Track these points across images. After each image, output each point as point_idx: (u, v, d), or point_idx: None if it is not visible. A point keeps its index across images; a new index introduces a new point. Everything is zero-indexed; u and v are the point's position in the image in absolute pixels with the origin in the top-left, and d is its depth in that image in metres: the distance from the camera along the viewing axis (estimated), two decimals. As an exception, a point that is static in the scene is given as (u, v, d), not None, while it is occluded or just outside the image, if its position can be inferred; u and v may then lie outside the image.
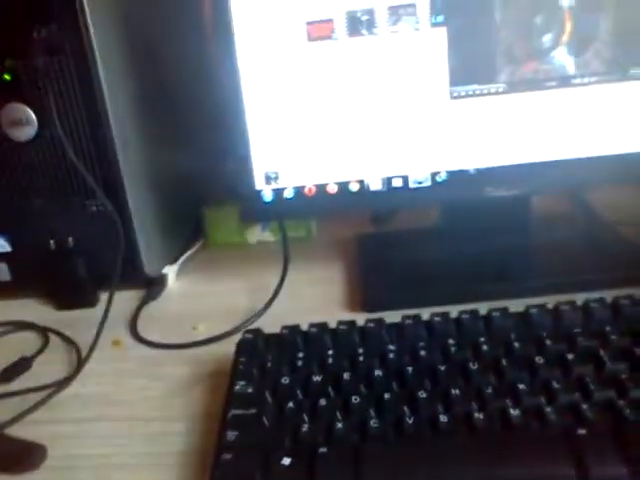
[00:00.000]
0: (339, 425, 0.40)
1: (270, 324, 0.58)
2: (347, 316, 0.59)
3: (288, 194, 0.61)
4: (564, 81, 0.56)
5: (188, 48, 0.73)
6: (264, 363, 0.47)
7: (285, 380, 0.44)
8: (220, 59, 0.58)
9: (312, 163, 0.60)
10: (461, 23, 0.55)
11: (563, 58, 0.56)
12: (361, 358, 0.46)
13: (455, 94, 0.57)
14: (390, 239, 0.71)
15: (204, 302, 0.67)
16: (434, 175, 0.60)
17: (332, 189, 0.61)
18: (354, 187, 0.61)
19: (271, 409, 0.43)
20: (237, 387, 0.45)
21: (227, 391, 0.46)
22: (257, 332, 0.50)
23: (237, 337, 0.57)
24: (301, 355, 0.47)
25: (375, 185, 0.60)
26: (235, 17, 0.56)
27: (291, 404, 0.43)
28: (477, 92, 0.57)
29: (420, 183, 0.60)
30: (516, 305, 0.51)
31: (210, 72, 0.59)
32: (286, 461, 0.38)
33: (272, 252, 0.75)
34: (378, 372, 0.44)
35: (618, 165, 0.59)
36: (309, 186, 0.61)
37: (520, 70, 0.56)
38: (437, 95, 0.57)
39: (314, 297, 0.64)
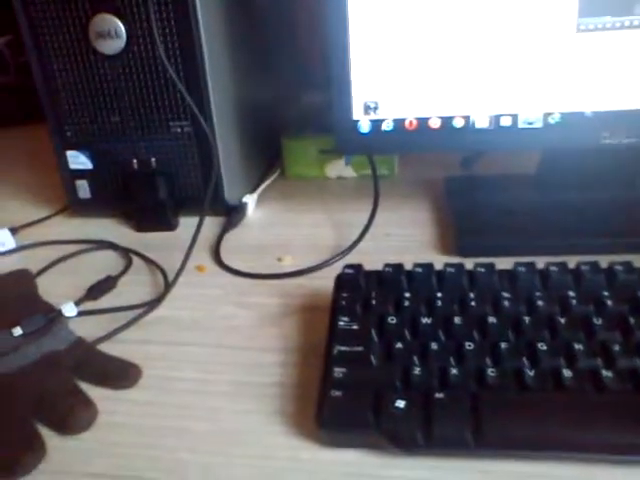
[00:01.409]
0: (454, 371, 0.38)
1: (360, 261, 0.56)
2: (440, 259, 0.57)
3: (387, 126, 0.58)
4: None
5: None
6: (368, 300, 0.44)
7: (392, 319, 0.42)
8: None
9: (415, 95, 0.56)
10: None
11: None
12: (473, 303, 0.43)
13: (582, 27, 0.52)
14: (481, 183, 0.67)
15: (286, 234, 0.65)
16: (547, 116, 0.56)
17: (435, 124, 0.57)
18: (458, 123, 0.57)
19: (378, 348, 0.41)
20: (341, 323, 0.43)
21: (329, 326, 0.44)
22: (358, 268, 0.47)
23: (326, 272, 0.56)
24: (407, 295, 0.44)
25: (481, 122, 0.56)
26: None
27: (400, 344, 0.41)
28: (608, 25, 0.52)
29: (530, 124, 0.56)
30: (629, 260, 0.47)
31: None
32: (400, 403, 0.36)
33: (352, 188, 0.73)
34: (492, 319, 0.42)
35: None
36: (410, 119, 0.57)
37: None
38: (562, 27, 0.52)
39: (402, 237, 0.62)
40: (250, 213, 0.69)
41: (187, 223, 0.68)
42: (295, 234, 0.64)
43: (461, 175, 0.71)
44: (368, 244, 0.61)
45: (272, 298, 0.54)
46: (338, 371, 0.39)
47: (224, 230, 0.65)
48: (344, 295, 0.45)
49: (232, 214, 0.67)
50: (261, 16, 0.73)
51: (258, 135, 0.75)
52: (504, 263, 0.49)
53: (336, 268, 0.56)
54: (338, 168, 0.76)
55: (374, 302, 0.44)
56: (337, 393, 0.38)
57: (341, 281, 0.47)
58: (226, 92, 0.65)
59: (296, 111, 0.79)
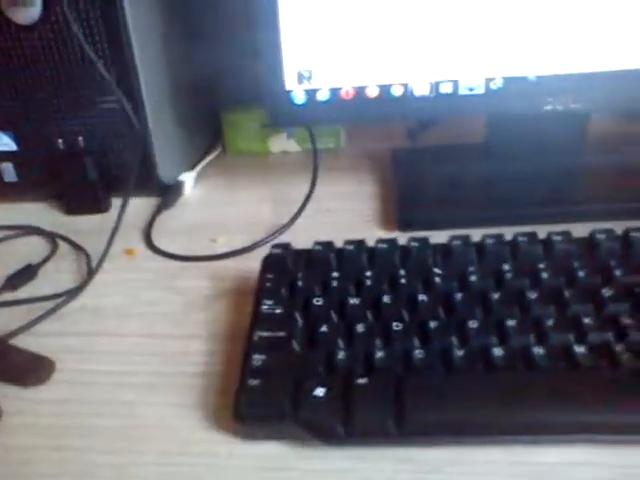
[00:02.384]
0: (379, 354, 0.36)
1: (296, 240, 0.54)
2: (380, 235, 0.54)
3: (323, 96, 0.54)
4: None
5: None
6: (294, 281, 0.42)
7: (317, 301, 0.40)
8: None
9: (351, 62, 0.53)
10: None
11: None
12: (403, 280, 0.41)
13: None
14: (429, 155, 0.64)
15: (223, 213, 0.62)
16: (488, 81, 0.53)
17: (372, 92, 0.54)
18: (397, 91, 0.54)
19: (302, 332, 0.38)
20: (264, 307, 0.40)
21: (253, 310, 0.41)
22: (286, 247, 0.45)
23: (260, 252, 0.53)
24: (336, 275, 0.42)
25: (421, 90, 0.53)
26: None
27: (324, 328, 0.38)
28: (550, -17, 0.49)
29: (472, 90, 0.53)
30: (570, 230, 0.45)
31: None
32: (320, 391, 0.34)
33: (296, 163, 0.69)
34: (422, 297, 0.39)
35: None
36: (347, 88, 0.54)
37: None
38: (501, -14, 0.49)
39: (344, 212, 0.59)
40: (187, 192, 0.66)
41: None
42: (232, 213, 0.61)
43: (408, 147, 0.68)
44: (307, 221, 0.58)
45: (203, 281, 0.51)
46: (257, 358, 0.37)
47: (157, 211, 0.62)
48: (269, 277, 0.42)
49: (166, 194, 0.64)
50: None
51: (197, 110, 0.71)
52: (446, 236, 0.46)
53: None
54: (281, 142, 0.72)
55: (300, 283, 0.41)
56: (254, 382, 0.35)
57: (267, 262, 0.44)
58: (157, 65, 0.61)
59: (237, 83, 0.75)
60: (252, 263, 0.51)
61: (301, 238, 0.54)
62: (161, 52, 0.62)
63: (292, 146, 0.73)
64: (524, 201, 0.54)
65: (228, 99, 0.74)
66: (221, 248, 0.55)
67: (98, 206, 0.63)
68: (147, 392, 0.40)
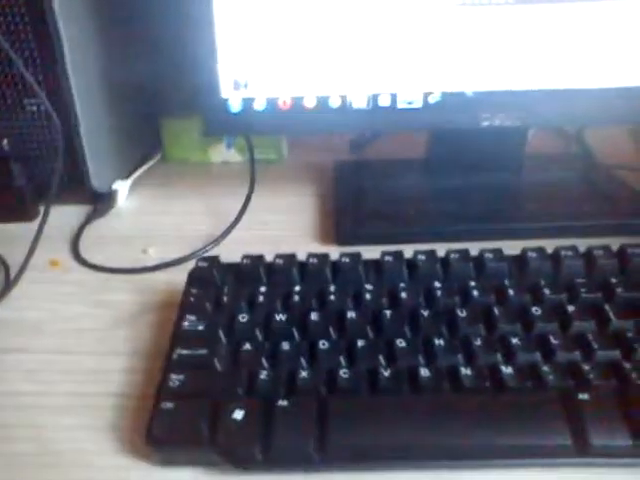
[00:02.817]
0: (303, 374, 0.34)
1: (229, 253, 0.52)
2: (317, 249, 0.53)
3: (259, 106, 0.53)
4: None
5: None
6: (219, 296, 0.40)
7: (243, 318, 0.38)
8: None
9: (289, 72, 0.52)
10: None
11: None
12: (332, 297, 0.39)
13: (461, 1, 0.49)
14: (370, 168, 0.64)
15: (157, 223, 0.59)
16: (426, 95, 0.52)
17: (310, 103, 0.53)
18: (335, 103, 0.53)
19: (224, 351, 0.37)
20: (186, 323, 0.38)
21: (174, 327, 0.39)
22: (213, 260, 0.43)
23: (191, 265, 0.51)
24: (263, 289, 0.40)
25: (359, 102, 0.53)
26: None
27: (248, 346, 0.36)
28: (486, 1, 0.49)
29: (410, 104, 0.53)
30: (504, 247, 0.44)
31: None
32: (238, 414, 0.32)
33: (237, 173, 0.68)
34: (351, 314, 0.38)
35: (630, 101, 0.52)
36: (284, 98, 0.53)
37: None
38: (441, 1, 0.49)
39: (280, 225, 0.58)
40: (121, 201, 0.63)
41: (59, 213, 0.61)
42: (166, 223, 0.59)
43: (351, 160, 0.67)
44: (241, 233, 0.56)
45: (129, 295, 0.49)
46: (175, 378, 0.35)
47: (87, 220, 0.59)
48: (193, 291, 0.40)
49: (98, 202, 0.61)
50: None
51: (135, 117, 0.69)
52: (378, 252, 0.45)
53: (203, 260, 0.52)
54: (221, 152, 0.71)
55: (226, 298, 0.40)
56: (169, 405, 0.33)
57: (193, 276, 0.42)
58: (91, 68, 0.59)
59: (178, 89, 0.73)
60: (182, 276, 0.49)
61: (234, 251, 0.52)
62: (95, 55, 0.60)
63: (233, 156, 0.71)
64: (461, 217, 0.53)
65: (169, 106, 0.72)
66: (152, 260, 0.53)
67: (25, 214, 0.60)
68: (60, 414, 0.37)
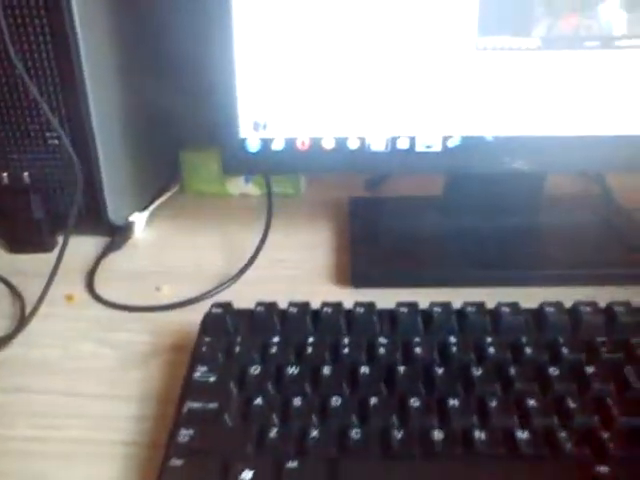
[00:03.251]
0: (314, 432, 0.34)
1: (245, 293, 0.52)
2: (332, 290, 0.53)
3: (278, 146, 0.53)
4: (609, 42, 0.48)
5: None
6: (232, 346, 0.40)
7: (255, 369, 0.38)
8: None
9: (308, 113, 0.52)
10: None
11: (611, 14, 0.47)
12: (346, 350, 0.39)
13: (482, 46, 0.49)
14: (386, 206, 0.63)
15: (173, 258, 0.59)
16: (445, 139, 0.52)
17: (328, 144, 0.53)
18: (353, 144, 0.53)
19: (235, 404, 0.36)
20: (197, 374, 0.38)
21: (185, 377, 0.39)
22: (226, 307, 0.43)
23: (205, 305, 0.51)
24: (276, 340, 0.40)
25: (377, 145, 0.52)
26: None
27: (259, 400, 0.36)
28: (507, 46, 0.48)
29: (429, 147, 0.52)
30: (522, 295, 0.44)
31: (197, 5, 0.50)
32: (247, 475, 0.32)
33: (255, 207, 0.68)
34: (364, 369, 0.37)
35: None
36: (302, 139, 0.53)
37: (559, 24, 0.48)
38: (461, 45, 0.49)
39: (296, 264, 0.57)
40: (138, 233, 0.64)
41: (76, 244, 0.61)
42: (182, 259, 0.59)
43: (367, 197, 0.67)
44: (257, 272, 0.56)
45: (142, 334, 0.48)
46: (184, 434, 0.34)
47: (103, 253, 0.59)
48: (206, 340, 0.40)
49: (115, 235, 0.61)
50: (154, 20, 0.68)
51: (154, 148, 0.69)
52: (398, 296, 0.45)
53: (218, 299, 0.51)
54: (240, 185, 0.71)
55: (238, 348, 0.39)
56: (178, 462, 0.33)
57: (205, 323, 0.42)
58: (111, 99, 0.59)
59: (198, 120, 0.73)
60: (196, 316, 0.49)
61: (250, 291, 0.53)
62: (115, 87, 0.60)
63: (251, 189, 0.71)
64: (477, 262, 0.53)
65: (188, 138, 0.72)
66: (165, 298, 0.53)
67: (43, 245, 0.61)
68: (62, 463, 0.37)
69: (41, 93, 0.54)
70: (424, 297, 0.44)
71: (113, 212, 0.61)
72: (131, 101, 0.63)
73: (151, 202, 0.68)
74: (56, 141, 0.58)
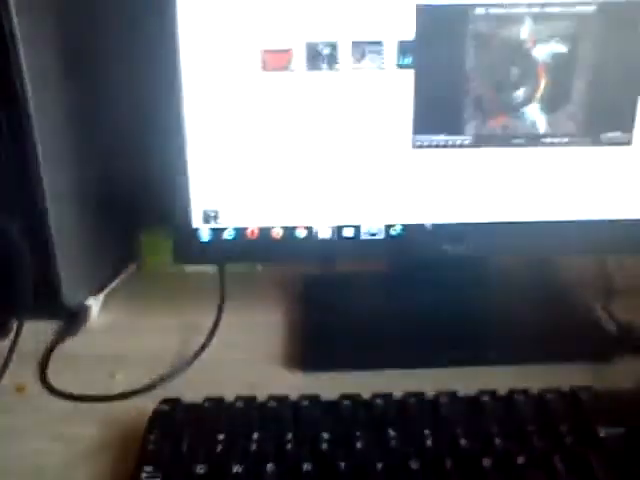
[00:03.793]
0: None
1: (197, 378, 0.53)
2: (285, 375, 0.55)
3: (228, 235, 0.55)
4: (533, 140, 0.52)
5: (128, 65, 0.65)
6: (179, 444, 0.41)
7: (200, 469, 0.39)
8: (163, 80, 0.51)
9: (257, 204, 0.54)
10: (430, 67, 0.50)
11: (534, 115, 0.51)
12: (289, 446, 0.40)
13: (418, 143, 0.52)
14: (337, 282, 0.66)
15: (128, 342, 0.60)
16: (388, 227, 0.55)
17: (277, 234, 0.55)
18: (301, 233, 0.55)
19: (180, 506, 0.37)
20: (144, 474, 0.39)
21: (131, 478, 0.39)
22: (174, 403, 0.44)
23: (158, 392, 0.52)
24: (221, 437, 0.41)
25: (324, 233, 0.55)
26: (182, 36, 0.50)
27: (203, 502, 0.37)
28: (441, 143, 0.52)
29: (373, 235, 0.55)
30: (465, 376, 0.48)
31: (152, 92, 0.53)
32: None
33: (213, 284, 0.69)
34: (307, 466, 0.39)
35: (583, 233, 0.55)
36: (252, 228, 0.55)
37: (488, 123, 0.52)
38: (398, 143, 0.52)
39: (250, 347, 0.59)
40: (94, 317, 0.64)
41: (29, 329, 0.61)
42: (138, 343, 0.60)
43: (320, 274, 0.69)
44: (210, 357, 0.57)
45: (93, 427, 0.49)
46: (129, 539, 0.35)
47: (57, 340, 0.60)
48: (152, 438, 0.41)
49: (70, 320, 0.62)
50: (108, 99, 0.69)
51: (110, 227, 0.70)
52: (348, 378, 0.49)
53: (172, 385, 0.53)
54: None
55: (185, 447, 0.40)
56: None
57: (154, 419, 0.43)
58: (65, 178, 0.60)
59: (154, 201, 0.75)
60: (149, 405, 0.50)
61: (201, 378, 0.54)
62: (69, 165, 0.61)
63: (208, 267, 0.72)
64: (427, 344, 0.55)
65: (145, 217, 0.74)
66: (119, 386, 0.53)
67: (-4, 331, 0.61)
68: None
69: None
70: (373, 380, 0.47)
71: (68, 296, 0.62)
72: (85, 182, 0.64)
73: (108, 283, 0.69)
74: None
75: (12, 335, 0.55)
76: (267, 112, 0.51)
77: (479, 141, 0.52)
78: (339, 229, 0.55)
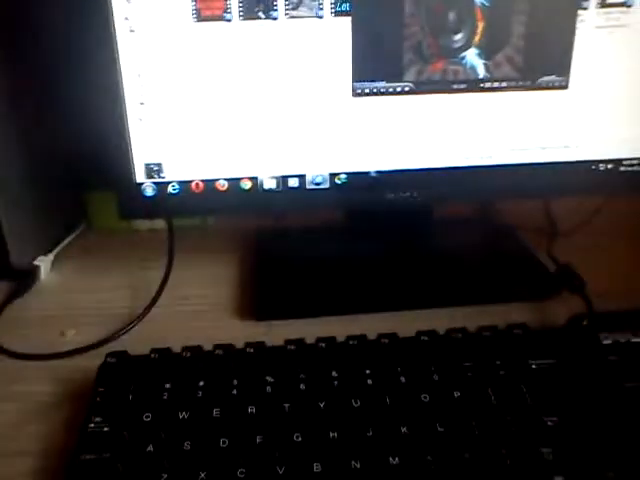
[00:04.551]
0: (202, 475, 0.36)
1: (148, 333, 0.54)
2: (235, 325, 0.55)
3: (172, 189, 0.55)
4: (473, 84, 0.53)
5: (61, 23, 0.63)
6: (126, 395, 0.41)
7: (147, 417, 0.40)
8: (99, 36, 0.50)
9: (200, 156, 0.54)
10: (367, 13, 0.50)
11: (473, 60, 0.52)
12: (235, 391, 0.41)
13: (358, 91, 0.52)
14: (289, 236, 0.66)
15: (79, 301, 0.60)
16: (333, 176, 0.55)
17: (222, 186, 0.55)
18: (246, 185, 0.55)
19: (128, 454, 0.38)
20: (92, 425, 0.39)
21: (80, 429, 0.40)
22: (121, 356, 0.44)
23: (109, 348, 0.52)
24: (168, 386, 0.42)
25: (269, 184, 0.55)
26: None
27: (151, 447, 0.38)
28: (381, 90, 0.52)
29: (318, 184, 0.55)
30: (410, 318, 0.50)
31: (88, 49, 0.51)
32: (137, 523, 0.34)
33: (162, 241, 0.69)
34: (252, 409, 0.40)
35: (525, 177, 0.56)
36: (196, 181, 0.55)
37: (428, 69, 0.52)
38: (338, 91, 0.52)
39: (201, 299, 0.59)
40: (44, 277, 0.64)
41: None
42: (88, 301, 0.60)
43: (272, 227, 0.69)
44: (162, 310, 0.57)
45: (43, 385, 0.49)
46: (78, 486, 0.36)
47: (7, 300, 0.59)
48: (100, 390, 0.42)
49: (19, 280, 0.62)
50: (46, 59, 0.67)
51: (57, 187, 0.70)
52: (298, 326, 0.50)
53: (122, 341, 0.53)
54: (146, 220, 0.72)
55: (131, 397, 0.41)
56: (71, 516, 0.34)
57: (101, 373, 0.44)
58: (7, 143, 0.59)
59: (99, 160, 0.74)
60: (100, 361, 0.50)
61: (152, 332, 0.54)
62: (10, 130, 0.60)
63: (159, 223, 0.72)
64: (372, 290, 0.56)
65: (91, 178, 0.73)
66: (69, 343, 0.54)
67: (-55, 294, 0.60)
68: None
69: None
70: (321, 327, 0.48)
71: (16, 256, 0.62)
72: (27, 146, 0.63)
73: (57, 243, 0.68)
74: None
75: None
76: (205, 63, 0.51)
77: (419, 87, 0.52)
78: (284, 179, 0.55)
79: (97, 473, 0.37)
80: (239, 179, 0.55)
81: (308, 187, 0.55)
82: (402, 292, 0.56)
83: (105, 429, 0.39)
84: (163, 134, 0.53)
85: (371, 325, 0.49)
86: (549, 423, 0.39)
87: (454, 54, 0.52)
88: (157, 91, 0.51)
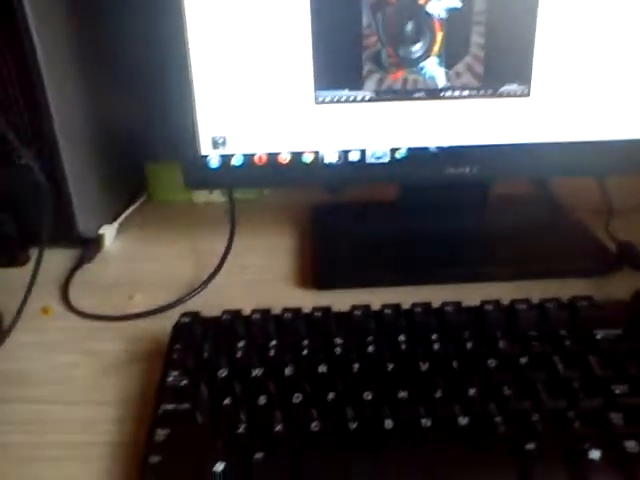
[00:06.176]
0: (278, 427, 0.38)
1: (213, 298, 0.56)
2: (296, 293, 0.57)
3: (236, 161, 0.57)
4: (433, 93, 0.53)
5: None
6: (201, 352, 0.43)
7: (223, 372, 0.42)
8: (167, 13, 0.51)
9: (264, 129, 0.55)
10: (327, 23, 0.50)
11: (433, 69, 0.52)
12: (305, 351, 0.43)
13: (320, 99, 0.53)
14: (346, 210, 0.68)
15: (144, 267, 0.63)
16: (393, 151, 0.56)
17: (284, 159, 0.56)
18: (308, 158, 0.56)
19: (206, 405, 0.40)
20: (170, 378, 0.42)
21: (159, 382, 0.42)
22: (194, 316, 0.46)
23: (176, 312, 0.54)
24: (241, 345, 0.44)
25: (330, 157, 0.56)
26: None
27: (228, 400, 0.40)
28: (343, 98, 0.53)
29: (378, 158, 0.56)
30: (470, 291, 0.50)
31: (156, 26, 0.53)
32: (219, 467, 0.36)
33: (220, 214, 0.71)
34: (322, 368, 0.42)
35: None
36: (260, 154, 0.56)
37: (388, 78, 0.52)
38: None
39: (262, 269, 0.61)
40: (108, 244, 0.67)
41: (48, 258, 0.63)
42: (152, 268, 0.62)
43: (328, 202, 0.71)
44: (224, 279, 0.59)
45: (117, 343, 0.52)
46: (161, 433, 0.38)
47: (76, 266, 0.62)
48: (176, 347, 0.44)
49: (86, 247, 0.64)
50: (114, 32, 0.70)
51: (120, 159, 0.72)
52: (358, 296, 0.51)
53: (188, 306, 0.55)
54: (204, 193, 0.74)
55: (206, 354, 0.43)
56: (156, 459, 0.36)
57: (176, 331, 0.46)
58: (75, 115, 0.62)
59: (162, 133, 0.76)
60: (168, 323, 0.52)
61: (218, 297, 0.56)
62: (79, 105, 0.63)
63: (216, 197, 0.74)
64: (428, 262, 0.58)
65: (153, 150, 0.75)
66: (138, 306, 0.56)
67: (15, 259, 0.63)
68: (52, 465, 0.40)
69: (7, 118, 0.57)
70: (382, 297, 0.49)
71: (83, 225, 0.64)
72: (94, 118, 0.66)
73: (120, 213, 0.71)
74: (22, 160, 0.61)
75: (32, 263, 0.57)
76: (272, 38, 0.52)
77: (379, 96, 0.53)
78: (345, 153, 0.56)
79: (178, 422, 0.39)
80: (301, 153, 0.56)
81: (368, 161, 0.56)
82: (463, 265, 0.57)
83: (183, 382, 0.41)
84: (229, 107, 0.55)
85: (429, 296, 0.50)
86: (617, 391, 0.39)
87: (413, 64, 0.52)
88: (225, 65, 0.53)
